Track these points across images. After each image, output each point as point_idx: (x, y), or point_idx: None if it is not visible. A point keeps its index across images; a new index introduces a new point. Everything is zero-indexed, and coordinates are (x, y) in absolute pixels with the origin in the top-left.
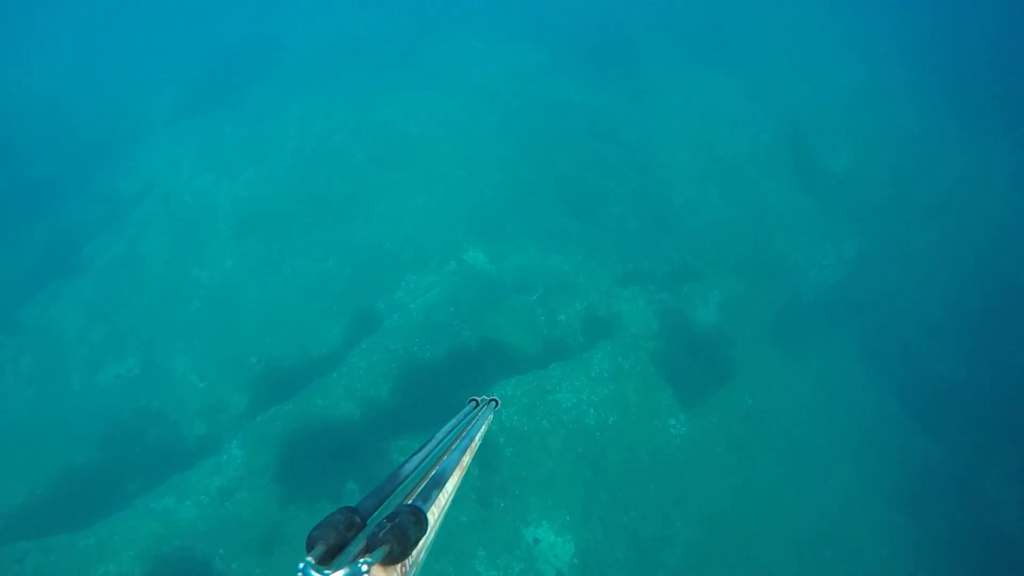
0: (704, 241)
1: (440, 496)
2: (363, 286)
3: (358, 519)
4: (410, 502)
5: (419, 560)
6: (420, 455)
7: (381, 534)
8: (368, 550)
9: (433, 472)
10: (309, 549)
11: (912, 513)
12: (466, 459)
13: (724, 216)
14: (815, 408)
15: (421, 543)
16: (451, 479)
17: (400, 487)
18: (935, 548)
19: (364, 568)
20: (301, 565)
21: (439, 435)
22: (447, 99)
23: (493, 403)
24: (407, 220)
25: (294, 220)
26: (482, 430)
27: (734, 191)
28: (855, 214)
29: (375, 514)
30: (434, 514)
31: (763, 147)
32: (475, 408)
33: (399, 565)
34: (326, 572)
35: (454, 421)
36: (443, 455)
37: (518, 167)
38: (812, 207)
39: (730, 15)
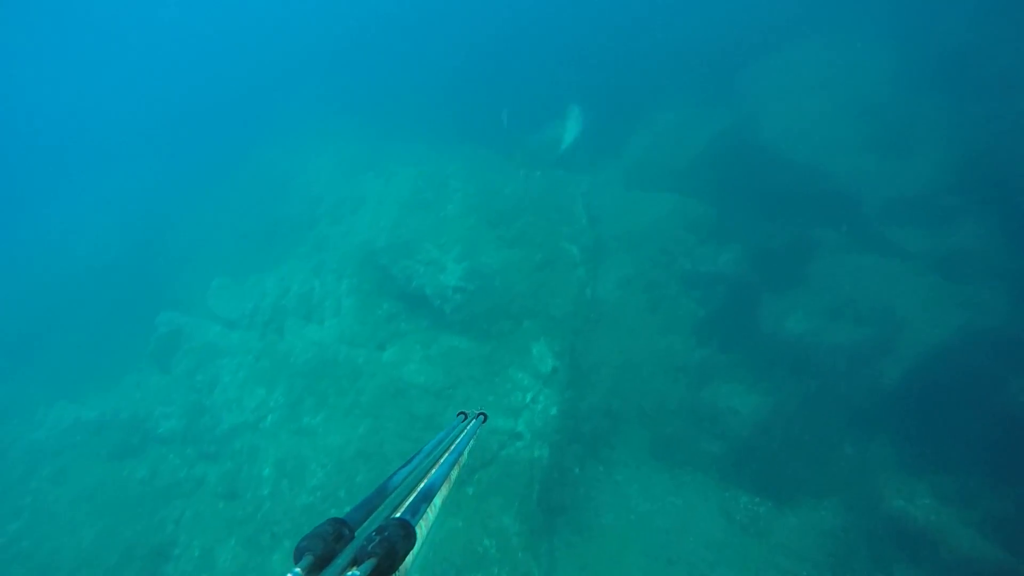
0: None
1: (428, 510)
2: None
3: (347, 531)
4: (398, 515)
5: (407, 573)
6: (408, 468)
7: (370, 547)
8: (356, 563)
9: (421, 485)
10: (297, 560)
11: None
12: (454, 473)
13: None
14: None
15: (409, 557)
16: (439, 493)
17: (388, 499)
18: None
19: None
20: None
21: (427, 448)
22: None
23: (481, 417)
24: None
25: None
26: (469, 444)
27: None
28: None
29: (363, 526)
30: (422, 528)
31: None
32: (463, 421)
33: None
34: None
35: (442, 435)
36: (431, 468)
37: None
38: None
39: None
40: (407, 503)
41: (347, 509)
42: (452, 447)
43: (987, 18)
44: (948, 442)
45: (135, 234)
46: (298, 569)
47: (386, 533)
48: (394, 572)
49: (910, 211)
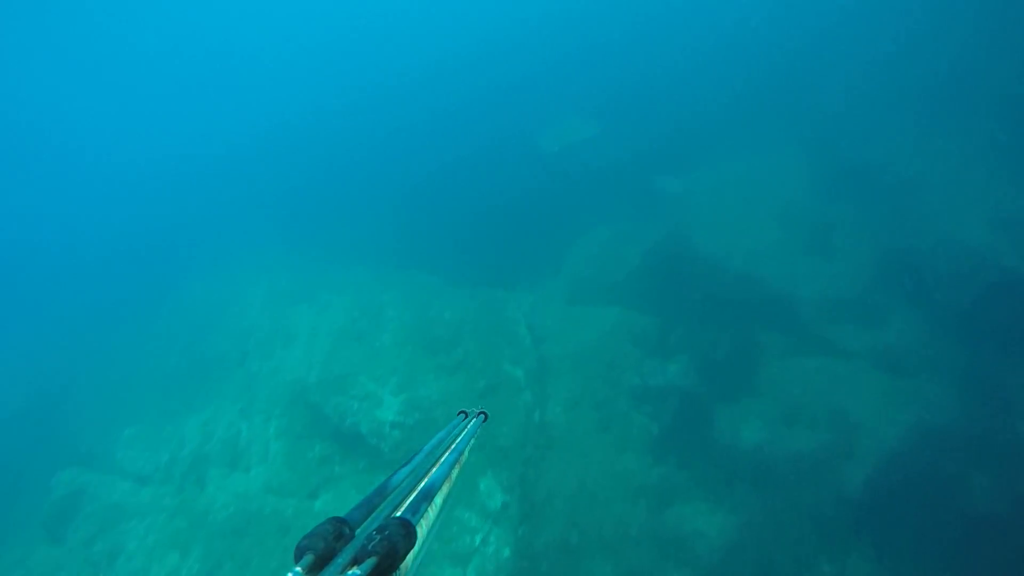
0: None
1: (429, 510)
2: None
3: (347, 530)
4: (399, 515)
5: (408, 572)
6: (408, 467)
7: (370, 546)
8: (356, 561)
9: (422, 485)
10: (297, 559)
11: None
12: (455, 472)
13: None
14: None
15: (410, 556)
16: (440, 492)
17: (388, 499)
18: None
19: None
20: (289, 575)
21: (427, 447)
22: None
23: (482, 416)
24: None
25: None
26: (470, 443)
27: None
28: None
29: (364, 525)
30: (423, 527)
31: None
32: (463, 420)
33: None
34: None
35: (442, 434)
36: (431, 468)
37: None
38: None
39: None
40: (408, 502)
41: (348, 508)
42: (452, 446)
43: (880, 132)
44: (926, 550)
45: (44, 383)
46: (298, 568)
47: (387, 532)
48: (394, 571)
49: (845, 310)
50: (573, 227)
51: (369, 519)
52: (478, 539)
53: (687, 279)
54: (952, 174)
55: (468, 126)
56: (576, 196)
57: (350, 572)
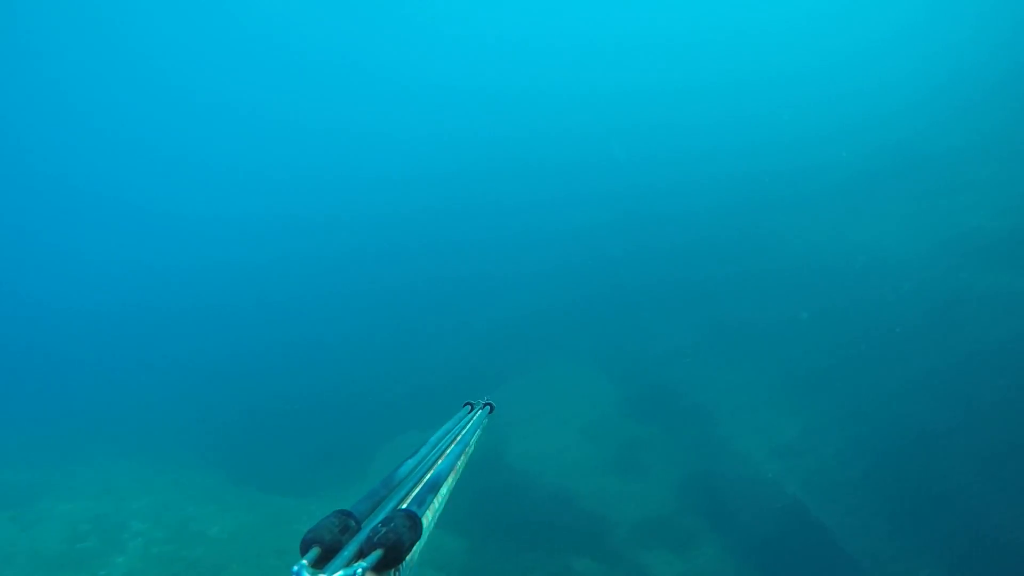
0: None
1: (435, 501)
2: None
3: (353, 522)
4: (404, 506)
5: (413, 564)
6: (415, 459)
7: (376, 538)
8: (362, 554)
9: (428, 476)
10: (303, 552)
11: None
12: (460, 463)
13: None
14: None
15: (416, 548)
16: (446, 483)
17: (394, 490)
18: None
19: (359, 572)
20: (296, 568)
21: (433, 439)
22: None
23: (488, 407)
24: None
25: None
26: (476, 434)
27: None
28: None
29: (369, 517)
30: (428, 519)
31: None
32: (470, 412)
33: (393, 569)
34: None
35: (449, 425)
36: (438, 459)
37: None
38: None
39: None
40: (413, 494)
41: (353, 500)
42: (459, 437)
43: (676, 360)
44: None
45: None
46: (304, 561)
47: (392, 524)
48: (400, 563)
49: (656, 533)
50: (380, 430)
51: (375, 511)
52: None
53: (499, 496)
54: (738, 403)
55: (269, 311)
56: (385, 398)
57: (356, 564)
